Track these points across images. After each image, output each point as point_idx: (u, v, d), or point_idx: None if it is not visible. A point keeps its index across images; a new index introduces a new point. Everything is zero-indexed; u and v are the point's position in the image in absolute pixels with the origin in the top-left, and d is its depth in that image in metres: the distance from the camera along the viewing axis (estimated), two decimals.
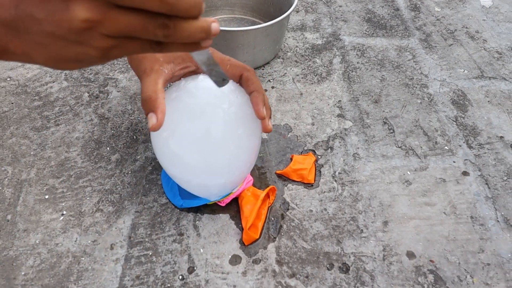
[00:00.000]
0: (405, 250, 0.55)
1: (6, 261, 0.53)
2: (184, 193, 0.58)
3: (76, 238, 0.55)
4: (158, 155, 0.52)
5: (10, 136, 0.67)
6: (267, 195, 0.58)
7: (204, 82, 0.51)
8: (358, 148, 0.67)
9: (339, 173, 0.63)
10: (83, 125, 0.69)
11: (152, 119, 0.45)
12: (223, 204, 0.58)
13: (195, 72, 0.53)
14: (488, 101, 0.76)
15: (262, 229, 0.56)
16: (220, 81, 0.39)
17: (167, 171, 0.53)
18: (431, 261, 0.54)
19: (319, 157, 0.65)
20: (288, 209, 0.59)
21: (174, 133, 0.49)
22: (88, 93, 0.74)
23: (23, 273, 0.52)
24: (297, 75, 0.80)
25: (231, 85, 0.50)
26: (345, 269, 0.53)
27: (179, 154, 0.49)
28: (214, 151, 0.49)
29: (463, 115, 0.73)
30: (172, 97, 0.49)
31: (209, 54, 0.36)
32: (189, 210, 0.58)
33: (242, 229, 0.56)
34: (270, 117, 0.52)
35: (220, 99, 0.49)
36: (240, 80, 0.52)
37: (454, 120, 0.72)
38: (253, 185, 0.60)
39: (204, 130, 0.48)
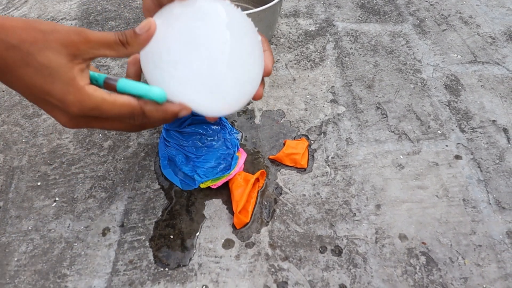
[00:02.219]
0: (397, 233, 0.55)
1: None
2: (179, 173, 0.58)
3: (69, 224, 0.55)
4: (153, 67, 0.45)
5: (2, 123, 0.67)
6: (257, 179, 0.58)
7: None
8: (351, 133, 0.67)
9: (332, 157, 0.63)
10: None
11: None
12: (214, 187, 0.58)
13: None
14: (481, 86, 0.76)
15: (253, 213, 0.56)
16: None
17: (162, 83, 0.45)
18: (423, 243, 0.54)
19: (312, 142, 0.65)
20: (281, 194, 0.59)
21: (174, 38, 0.44)
22: None
23: (15, 259, 0.52)
24: (290, 61, 0.79)
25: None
26: (337, 251, 0.53)
27: (182, 61, 0.44)
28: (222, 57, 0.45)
29: (456, 100, 0.73)
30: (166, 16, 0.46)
31: None
32: (182, 195, 0.58)
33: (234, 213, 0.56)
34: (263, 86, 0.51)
35: (220, 9, 0.46)
36: None
37: (447, 104, 0.72)
38: (246, 170, 0.60)
39: (210, 33, 0.44)
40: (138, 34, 0.41)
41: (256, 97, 0.49)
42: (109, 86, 0.42)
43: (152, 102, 0.42)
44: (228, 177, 0.57)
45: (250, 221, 0.55)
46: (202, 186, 0.57)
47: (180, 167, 0.58)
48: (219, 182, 0.57)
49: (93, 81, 0.42)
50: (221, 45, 0.45)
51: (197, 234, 0.54)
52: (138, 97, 0.42)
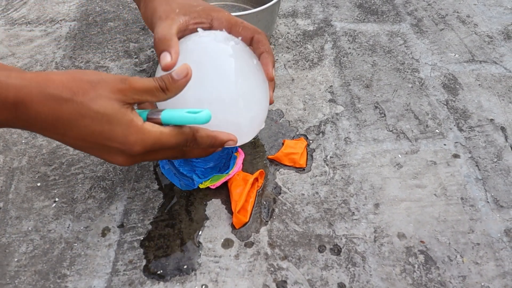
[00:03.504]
0: (396, 232, 0.55)
1: None
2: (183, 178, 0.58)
3: (69, 225, 0.55)
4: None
5: None
6: (256, 179, 0.58)
7: (206, 34, 0.52)
8: (349, 132, 0.67)
9: (330, 157, 0.64)
10: None
11: (166, 58, 0.47)
12: (213, 187, 0.58)
13: (209, 28, 0.54)
14: (479, 85, 0.76)
15: (252, 212, 0.56)
16: None
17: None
18: (421, 242, 0.55)
19: (311, 141, 0.66)
20: (280, 193, 0.59)
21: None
22: None
23: (16, 259, 0.52)
24: (289, 61, 0.80)
25: (225, 33, 0.52)
26: (336, 250, 0.53)
27: (199, 98, 0.49)
28: (234, 84, 0.50)
29: (454, 99, 0.73)
30: (181, 50, 0.50)
31: None
32: (181, 195, 0.58)
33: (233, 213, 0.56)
34: (273, 90, 0.56)
35: (226, 41, 0.51)
36: (251, 42, 0.53)
37: (445, 103, 0.72)
38: (245, 170, 0.61)
39: (218, 67, 0.49)
40: (176, 79, 0.43)
41: (270, 80, 0.54)
42: (152, 120, 0.44)
43: (203, 129, 0.46)
44: (227, 177, 0.57)
45: (249, 220, 0.56)
46: (201, 186, 0.58)
47: (179, 167, 0.58)
48: (218, 183, 0.57)
49: None
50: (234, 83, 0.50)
51: (197, 233, 0.55)
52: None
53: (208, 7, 0.54)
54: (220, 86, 0.49)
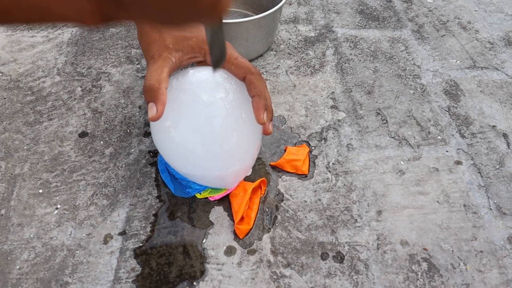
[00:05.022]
0: (399, 239, 0.55)
1: (1, 256, 0.53)
2: (177, 186, 0.58)
3: (71, 232, 0.55)
4: (158, 145, 0.53)
5: (3, 131, 0.67)
6: (259, 186, 0.58)
7: (200, 73, 0.52)
8: (351, 139, 0.67)
9: (333, 163, 0.64)
10: (76, 119, 0.69)
11: (152, 110, 0.46)
12: (212, 199, 0.58)
13: (203, 62, 0.54)
14: (481, 91, 0.76)
15: (255, 219, 0.56)
16: (218, 58, 0.38)
17: (169, 162, 0.54)
18: (424, 249, 0.54)
19: (313, 148, 0.66)
20: (282, 200, 0.59)
21: (176, 124, 0.50)
22: (81, 87, 0.74)
23: (17, 267, 0.52)
24: (290, 67, 0.80)
25: (223, 73, 0.51)
26: (339, 258, 0.53)
27: (182, 144, 0.50)
28: (217, 142, 0.50)
29: (455, 105, 0.73)
30: (172, 87, 0.50)
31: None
32: (183, 202, 0.58)
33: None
34: (271, 120, 0.53)
35: (216, 89, 0.50)
36: (244, 81, 0.51)
37: (447, 110, 0.72)
38: (247, 177, 0.60)
39: (205, 121, 0.49)
40: None
41: (266, 134, 0.54)
42: None
43: None
44: (227, 192, 0.57)
45: (252, 227, 0.56)
46: (199, 196, 0.57)
47: (174, 173, 0.58)
48: (217, 196, 0.57)
49: None
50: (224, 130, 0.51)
51: (199, 241, 0.55)
52: None
53: (202, 39, 0.52)
54: (203, 144, 0.50)
